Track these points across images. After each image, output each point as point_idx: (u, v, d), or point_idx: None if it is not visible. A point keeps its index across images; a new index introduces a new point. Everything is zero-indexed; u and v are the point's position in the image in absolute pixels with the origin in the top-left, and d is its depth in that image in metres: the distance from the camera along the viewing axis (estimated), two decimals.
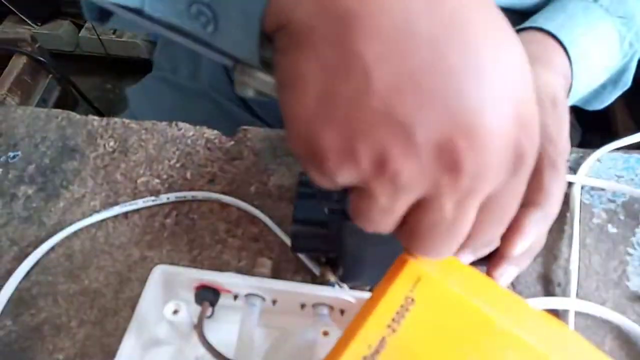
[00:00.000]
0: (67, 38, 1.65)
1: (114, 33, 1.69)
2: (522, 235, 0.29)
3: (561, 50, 0.40)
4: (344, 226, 0.33)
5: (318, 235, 0.36)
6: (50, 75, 1.00)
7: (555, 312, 0.39)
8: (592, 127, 0.61)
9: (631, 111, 0.67)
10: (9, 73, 0.91)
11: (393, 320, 0.23)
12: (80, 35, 1.69)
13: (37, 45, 1.01)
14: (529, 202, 0.30)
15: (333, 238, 0.35)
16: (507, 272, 0.30)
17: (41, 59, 0.98)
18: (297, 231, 0.36)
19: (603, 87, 0.49)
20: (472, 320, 0.23)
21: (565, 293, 0.39)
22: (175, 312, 0.32)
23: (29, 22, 1.53)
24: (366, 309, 0.24)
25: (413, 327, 0.23)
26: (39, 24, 1.60)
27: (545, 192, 0.31)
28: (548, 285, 0.40)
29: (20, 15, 1.51)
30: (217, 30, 0.20)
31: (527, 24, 0.43)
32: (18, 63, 0.94)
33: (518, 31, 0.43)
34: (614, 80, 0.49)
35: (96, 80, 1.73)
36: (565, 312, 0.38)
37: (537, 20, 0.43)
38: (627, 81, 0.49)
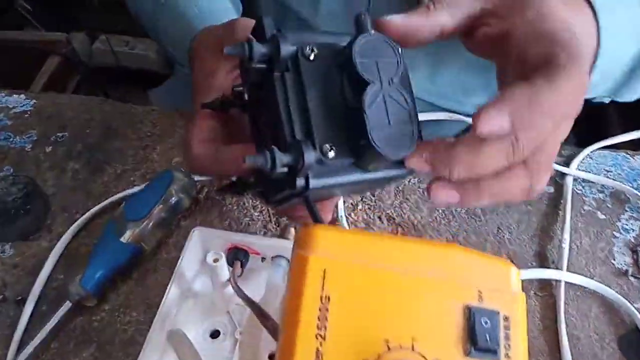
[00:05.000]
0: (81, 49, 1.71)
1: (126, 45, 1.76)
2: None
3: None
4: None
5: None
6: (80, 76, 1.06)
7: (548, 283, 0.43)
8: (583, 125, 0.65)
9: (622, 111, 0.72)
10: (44, 73, 0.96)
11: (318, 328, 0.23)
12: (94, 46, 1.76)
13: (70, 47, 1.07)
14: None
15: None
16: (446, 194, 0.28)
17: (74, 59, 1.04)
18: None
19: (632, 71, 0.45)
20: (385, 284, 0.25)
21: (558, 268, 0.44)
22: (216, 260, 0.37)
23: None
24: (289, 326, 0.23)
25: (339, 323, 0.23)
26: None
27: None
28: (543, 262, 0.45)
29: (38, 26, 1.57)
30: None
31: None
32: (52, 63, 1.00)
33: None
34: None
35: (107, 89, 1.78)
36: (558, 283, 0.43)
37: None
38: None
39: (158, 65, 1.72)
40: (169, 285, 0.37)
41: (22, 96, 0.55)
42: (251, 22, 0.36)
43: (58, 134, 0.51)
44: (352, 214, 0.48)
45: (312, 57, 0.27)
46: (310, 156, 0.25)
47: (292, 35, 0.27)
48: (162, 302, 0.36)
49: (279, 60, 0.26)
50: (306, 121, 0.27)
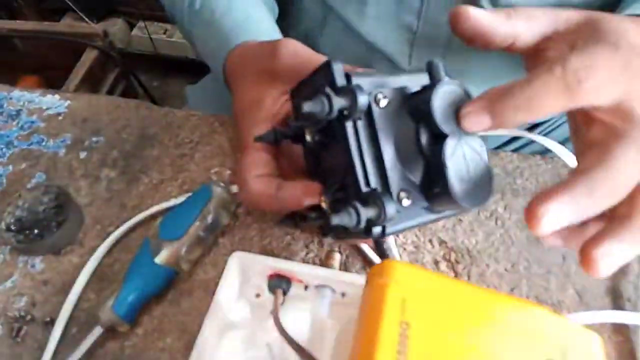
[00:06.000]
0: (120, 36, 1.71)
1: (164, 33, 1.75)
2: None
3: None
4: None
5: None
6: (118, 69, 1.05)
7: (624, 327, 0.38)
8: None
9: None
10: (81, 66, 0.95)
11: (398, 352, 0.22)
12: (132, 33, 1.75)
13: (108, 40, 1.06)
14: None
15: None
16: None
17: (111, 53, 1.03)
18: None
19: None
20: (464, 324, 0.24)
21: (635, 308, 0.39)
22: (258, 295, 0.33)
23: (86, 19, 1.59)
24: (366, 348, 0.23)
25: (419, 350, 0.23)
26: (95, 21, 1.67)
27: None
28: (617, 300, 0.40)
29: (79, 13, 1.57)
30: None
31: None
32: (90, 56, 0.99)
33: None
34: None
35: (144, 77, 1.79)
36: (636, 327, 0.38)
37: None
38: None
39: (195, 53, 1.70)
40: (206, 319, 0.34)
41: (57, 96, 0.53)
42: (293, 44, 0.34)
43: (93, 139, 0.49)
44: (401, 236, 0.45)
45: (384, 104, 0.26)
46: (391, 209, 0.25)
47: (364, 80, 0.26)
48: (198, 337, 0.33)
49: (355, 112, 0.25)
50: (380, 169, 0.26)
